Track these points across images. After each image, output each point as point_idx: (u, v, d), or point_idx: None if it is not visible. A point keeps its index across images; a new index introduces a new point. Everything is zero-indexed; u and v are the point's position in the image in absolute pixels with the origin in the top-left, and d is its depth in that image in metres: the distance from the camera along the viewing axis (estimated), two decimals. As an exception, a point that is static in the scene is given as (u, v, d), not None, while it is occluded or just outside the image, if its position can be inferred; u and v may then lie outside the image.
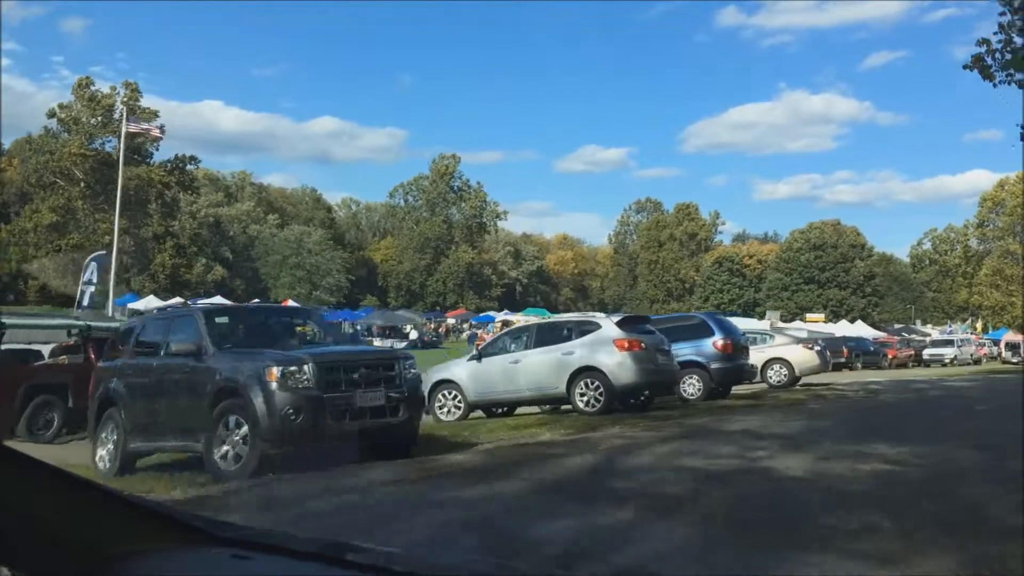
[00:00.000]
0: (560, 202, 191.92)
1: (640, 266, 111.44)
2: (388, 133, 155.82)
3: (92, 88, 60.41)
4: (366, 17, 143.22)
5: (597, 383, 11.86)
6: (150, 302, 45.15)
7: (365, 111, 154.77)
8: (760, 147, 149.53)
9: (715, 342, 15.12)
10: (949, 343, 44.96)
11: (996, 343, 52.07)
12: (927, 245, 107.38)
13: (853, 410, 13.91)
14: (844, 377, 26.81)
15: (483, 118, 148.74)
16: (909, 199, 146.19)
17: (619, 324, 12.67)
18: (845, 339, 35.14)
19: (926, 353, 44.27)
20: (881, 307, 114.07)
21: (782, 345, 19.16)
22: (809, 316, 76.97)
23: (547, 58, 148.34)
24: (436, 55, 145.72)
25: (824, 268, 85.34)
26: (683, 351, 14.28)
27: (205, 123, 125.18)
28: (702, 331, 15.50)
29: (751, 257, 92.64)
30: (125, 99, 57.77)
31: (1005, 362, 48.35)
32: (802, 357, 18.91)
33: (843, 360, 33.29)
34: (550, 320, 16.88)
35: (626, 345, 11.98)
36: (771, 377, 18.51)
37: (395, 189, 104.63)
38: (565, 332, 13.00)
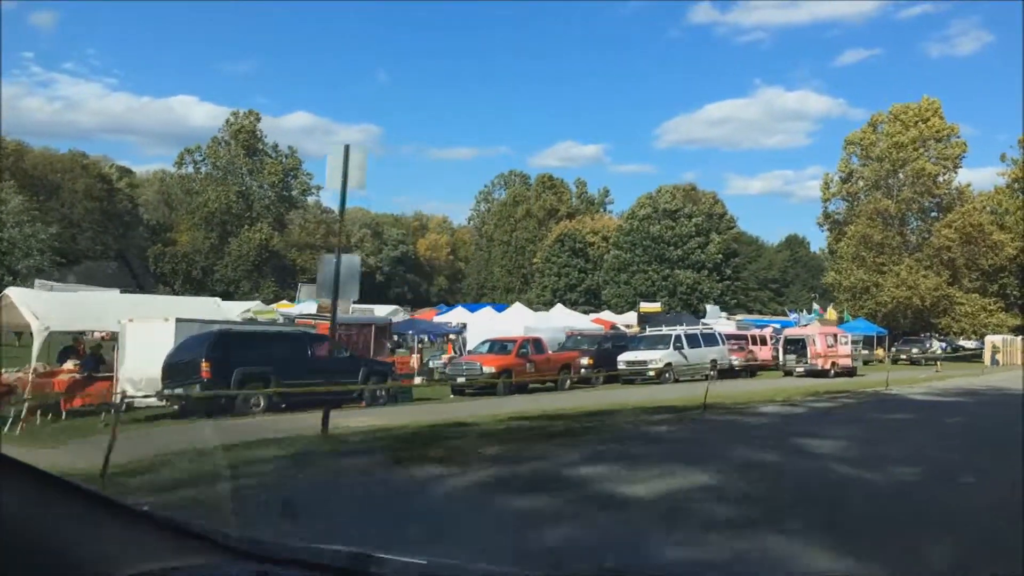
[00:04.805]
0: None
1: (495, 249, 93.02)
2: (363, 129, 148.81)
3: None
4: (341, 13, 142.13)
5: None
6: None
7: (340, 107, 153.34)
8: (734, 143, 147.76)
9: None
10: (662, 342, 26.01)
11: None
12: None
13: None
14: None
15: (458, 114, 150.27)
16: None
17: None
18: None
19: (622, 361, 25.34)
20: (785, 295, 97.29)
21: None
22: (644, 306, 59.26)
23: (522, 55, 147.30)
24: (411, 52, 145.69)
25: (675, 243, 66.61)
26: None
27: (177, 118, 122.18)
28: None
29: (595, 233, 73.76)
30: None
31: (787, 373, 29.60)
32: None
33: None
34: None
35: None
36: None
37: (182, 155, 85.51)
38: None
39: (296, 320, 22.69)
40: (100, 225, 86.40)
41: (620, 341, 27.49)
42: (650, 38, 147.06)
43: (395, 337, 25.58)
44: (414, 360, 24.15)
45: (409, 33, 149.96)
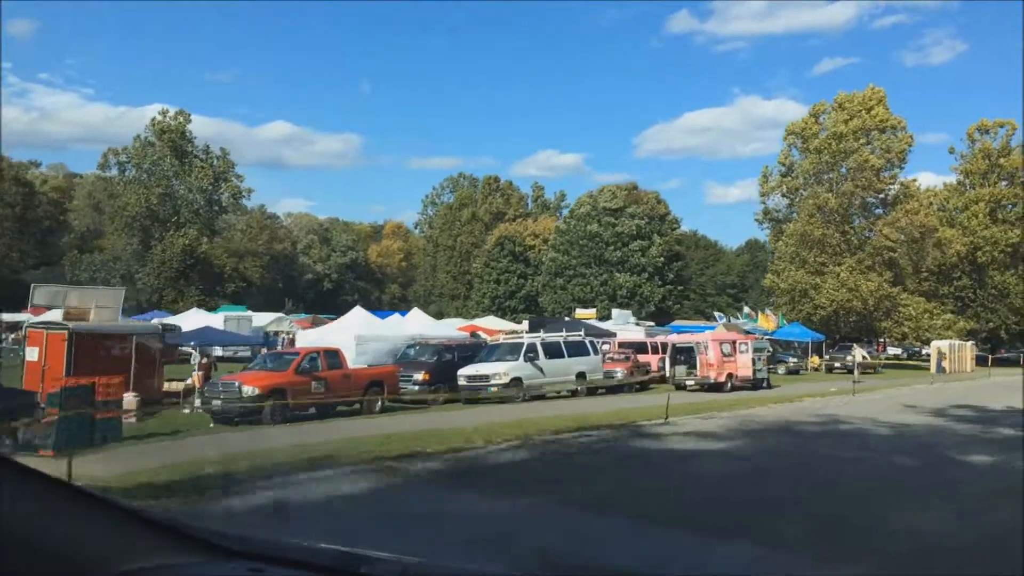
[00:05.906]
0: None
1: (440, 254, 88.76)
2: (343, 139, 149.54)
3: None
4: (321, 22, 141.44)
5: None
6: None
7: (320, 117, 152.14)
8: (713, 152, 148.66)
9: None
10: (514, 352, 21.49)
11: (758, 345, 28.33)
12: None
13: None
14: None
15: (440, 123, 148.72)
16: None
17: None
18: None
19: (462, 375, 20.83)
20: (743, 300, 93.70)
21: None
22: (580, 312, 55.13)
23: (503, 65, 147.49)
24: (392, 61, 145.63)
25: (614, 243, 62.39)
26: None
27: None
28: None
29: (536, 236, 69.50)
30: None
31: (679, 387, 25.09)
32: None
33: None
34: None
35: None
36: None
37: (105, 155, 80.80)
38: None
39: (28, 329, 18.22)
40: (16, 232, 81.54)
41: (468, 351, 23.07)
42: (629, 47, 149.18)
43: (180, 348, 21.14)
44: (195, 379, 19.65)
45: (390, 42, 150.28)
